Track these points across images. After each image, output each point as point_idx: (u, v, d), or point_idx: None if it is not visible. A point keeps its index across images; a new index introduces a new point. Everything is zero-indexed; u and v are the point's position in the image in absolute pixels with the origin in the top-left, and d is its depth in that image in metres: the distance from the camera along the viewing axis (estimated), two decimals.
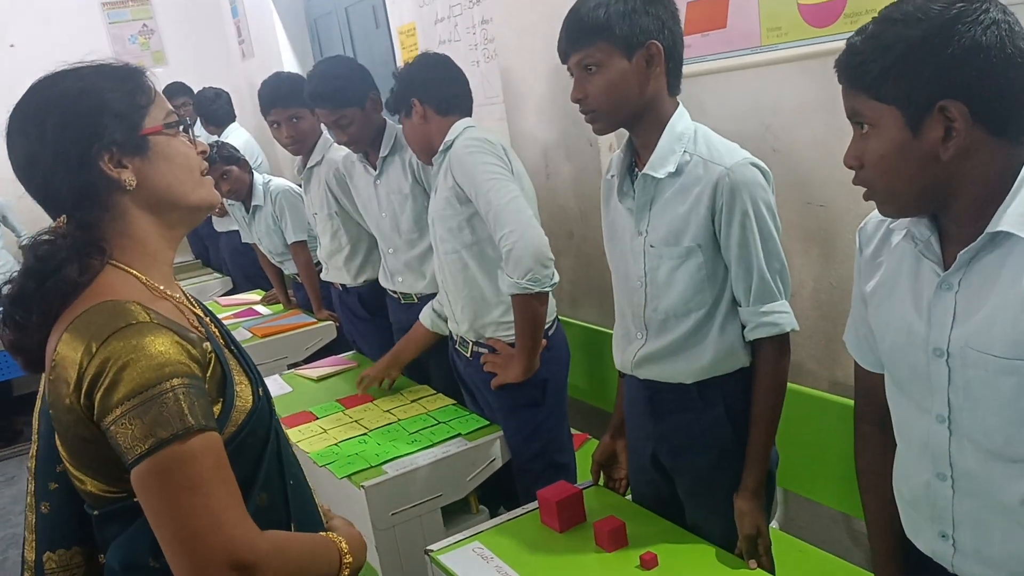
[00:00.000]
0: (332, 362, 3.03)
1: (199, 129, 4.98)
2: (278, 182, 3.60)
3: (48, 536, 1.17)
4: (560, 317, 2.36)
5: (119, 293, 1.07)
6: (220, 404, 1.10)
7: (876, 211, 1.25)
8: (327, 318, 3.46)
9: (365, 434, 2.31)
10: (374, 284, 2.94)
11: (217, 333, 1.20)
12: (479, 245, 2.18)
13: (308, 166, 3.05)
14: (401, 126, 2.55)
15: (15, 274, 1.12)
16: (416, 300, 2.67)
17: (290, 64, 5.19)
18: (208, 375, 1.09)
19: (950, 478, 1.14)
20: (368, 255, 3.00)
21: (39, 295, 1.08)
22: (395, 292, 2.73)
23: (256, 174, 3.64)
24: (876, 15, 1.08)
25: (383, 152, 2.62)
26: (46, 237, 1.11)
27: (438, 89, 2.23)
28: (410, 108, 2.24)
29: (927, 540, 1.21)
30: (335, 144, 3.00)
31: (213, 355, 1.11)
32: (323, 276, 3.24)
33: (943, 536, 1.18)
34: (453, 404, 2.45)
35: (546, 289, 2.05)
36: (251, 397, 1.16)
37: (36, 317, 1.09)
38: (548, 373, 2.23)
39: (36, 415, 1.19)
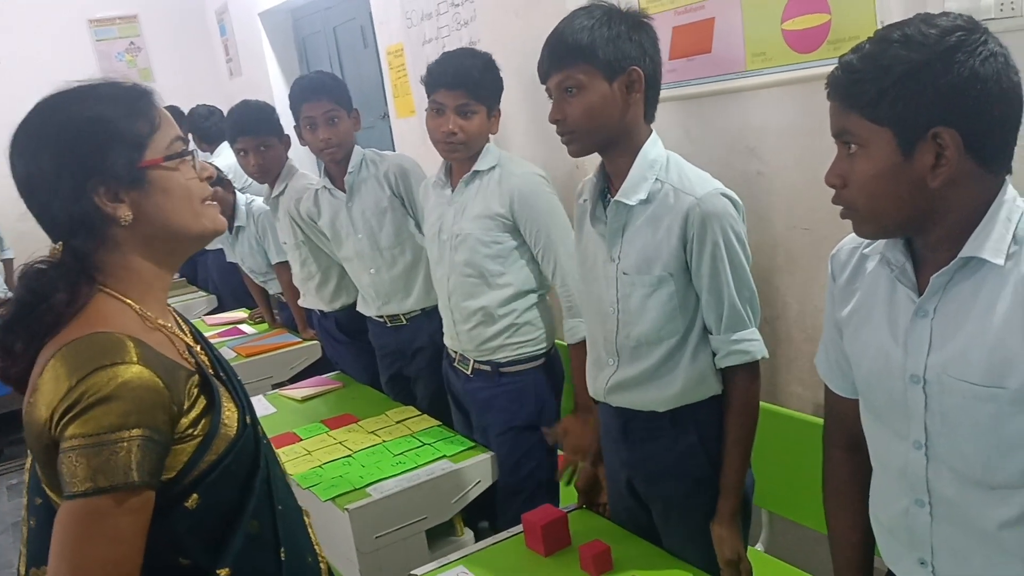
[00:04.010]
0: (317, 382, 3.01)
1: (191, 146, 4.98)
2: (260, 203, 3.59)
3: (34, 552, 1.16)
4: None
5: (112, 324, 1.07)
6: (201, 438, 1.10)
7: (848, 238, 1.25)
8: (312, 337, 3.45)
9: (349, 456, 2.30)
10: (351, 309, 2.92)
11: (206, 360, 1.19)
12: (507, 275, 2.16)
13: (273, 195, 3.04)
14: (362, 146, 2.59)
15: (5, 287, 1.12)
16: (405, 321, 2.66)
17: (278, 83, 5.20)
18: (188, 415, 1.08)
19: (928, 504, 1.15)
20: (340, 280, 2.98)
21: (25, 324, 1.08)
22: (381, 316, 2.71)
23: (239, 194, 3.63)
24: (869, 37, 1.08)
25: (350, 170, 2.61)
26: (40, 266, 1.11)
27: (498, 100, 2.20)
28: (494, 108, 2.18)
29: (906, 567, 1.21)
30: (298, 172, 3.01)
31: (197, 389, 1.11)
32: (300, 302, 3.24)
33: (922, 563, 1.18)
34: (438, 425, 2.44)
35: None
36: (237, 424, 1.15)
37: (20, 345, 1.08)
38: (546, 396, 2.24)
39: None
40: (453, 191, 2.20)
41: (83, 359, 1.01)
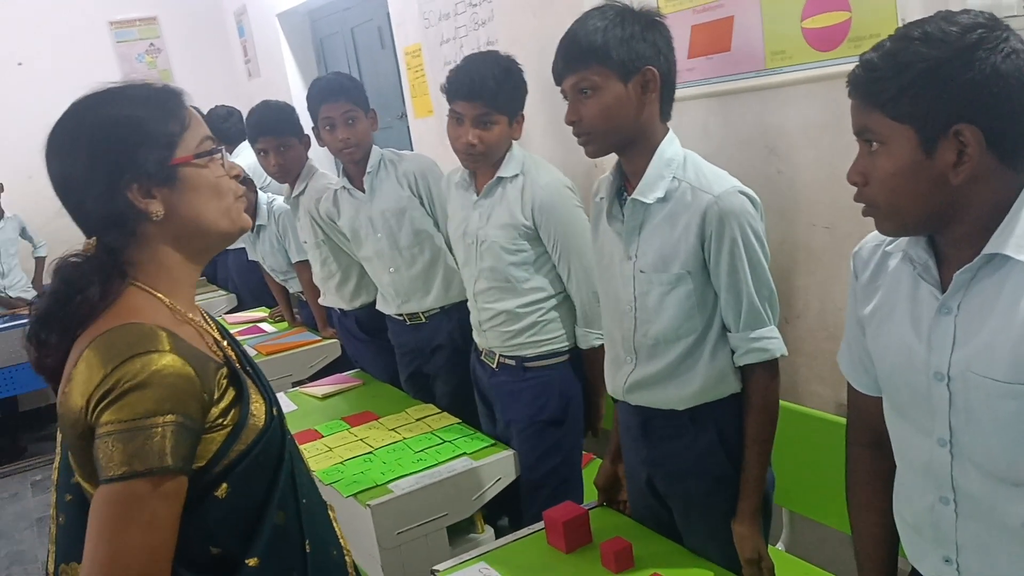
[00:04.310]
0: (337, 380, 3.04)
1: None
2: (281, 202, 3.62)
3: (64, 548, 1.18)
4: None
5: (144, 316, 1.10)
6: (230, 428, 1.12)
7: (870, 236, 1.26)
8: (332, 336, 3.47)
9: (370, 453, 2.32)
10: (371, 307, 2.94)
11: (233, 355, 1.22)
12: (532, 280, 2.17)
13: (293, 195, 3.06)
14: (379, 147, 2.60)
15: (31, 288, 1.14)
16: (424, 319, 2.68)
17: (296, 84, 5.23)
18: (218, 405, 1.11)
19: (953, 502, 1.15)
20: (360, 279, 3.00)
21: (60, 316, 1.11)
22: (400, 315, 2.72)
23: (261, 193, 3.66)
24: (889, 36, 1.08)
25: (369, 170, 2.62)
26: (74, 259, 1.14)
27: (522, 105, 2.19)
28: (517, 114, 2.18)
29: (931, 564, 1.21)
30: (318, 172, 3.02)
31: (226, 380, 1.13)
32: (321, 301, 3.26)
33: (947, 560, 1.18)
34: (458, 423, 2.45)
35: None
36: (264, 416, 1.18)
37: (55, 337, 1.11)
38: (571, 392, 2.24)
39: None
40: (478, 195, 2.20)
41: (117, 348, 1.04)
